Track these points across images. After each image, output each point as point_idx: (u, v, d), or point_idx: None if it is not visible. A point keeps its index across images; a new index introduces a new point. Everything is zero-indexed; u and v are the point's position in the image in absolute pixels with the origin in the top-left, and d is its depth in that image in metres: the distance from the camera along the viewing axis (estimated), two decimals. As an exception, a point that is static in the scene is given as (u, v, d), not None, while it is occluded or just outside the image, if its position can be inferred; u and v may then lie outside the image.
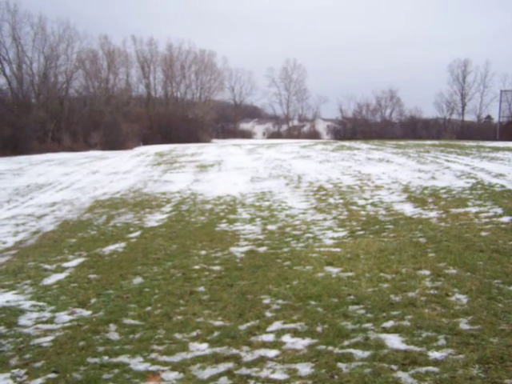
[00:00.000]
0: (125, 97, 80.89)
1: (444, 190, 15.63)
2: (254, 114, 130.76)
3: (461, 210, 12.41)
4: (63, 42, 67.18)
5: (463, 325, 5.60)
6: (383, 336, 5.49)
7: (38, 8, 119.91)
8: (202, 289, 7.66)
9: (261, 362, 5.18)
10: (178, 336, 5.99)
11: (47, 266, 9.74)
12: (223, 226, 12.72)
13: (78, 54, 70.61)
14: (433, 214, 12.35)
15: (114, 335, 6.14)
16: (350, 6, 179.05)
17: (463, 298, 6.42)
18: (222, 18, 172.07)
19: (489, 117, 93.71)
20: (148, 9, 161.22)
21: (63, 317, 6.88)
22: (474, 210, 12.40)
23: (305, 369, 4.94)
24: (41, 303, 7.50)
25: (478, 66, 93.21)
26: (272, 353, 5.38)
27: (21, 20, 63.37)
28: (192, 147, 49.33)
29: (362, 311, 6.29)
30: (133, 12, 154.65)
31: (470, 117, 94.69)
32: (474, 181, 16.95)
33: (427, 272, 7.58)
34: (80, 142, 58.80)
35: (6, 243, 12.22)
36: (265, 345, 5.58)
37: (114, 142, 56.85)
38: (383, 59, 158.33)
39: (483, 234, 9.86)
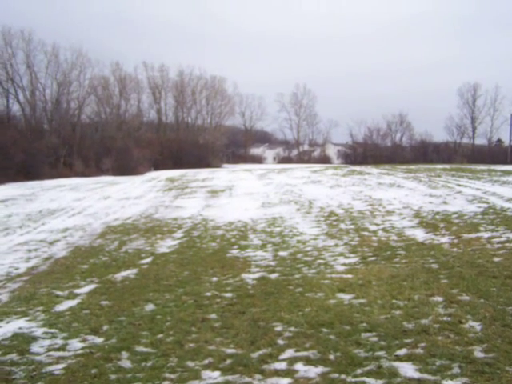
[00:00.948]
0: (136, 122, 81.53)
1: (456, 215, 15.57)
2: (265, 138, 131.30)
3: (473, 236, 12.35)
4: (76, 68, 68.23)
5: (478, 353, 5.55)
6: (396, 364, 5.46)
7: (51, 36, 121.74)
8: (213, 316, 7.64)
9: (274, 390, 5.16)
10: (190, 364, 5.96)
11: (59, 293, 9.77)
12: (234, 252, 12.72)
13: (90, 80, 71.63)
14: (445, 239, 12.30)
15: (126, 363, 6.13)
16: (360, 34, 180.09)
17: (477, 326, 6.37)
18: (232, 44, 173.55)
19: (499, 140, 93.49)
20: (159, 35, 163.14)
21: (75, 344, 6.87)
22: (486, 235, 12.35)
23: (318, 398, 4.92)
24: (53, 330, 7.50)
25: (487, 90, 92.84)
26: (284, 381, 5.35)
27: (35, 48, 64.57)
28: (203, 172, 49.50)
29: (375, 339, 6.25)
30: (144, 39, 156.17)
31: (480, 140, 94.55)
32: (485, 205, 16.89)
33: (440, 299, 7.54)
34: (92, 168, 59.17)
35: (18, 269, 12.26)
36: (277, 373, 5.55)
37: (126, 167, 57.15)
38: (393, 84, 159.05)
39: (496, 259, 9.80)
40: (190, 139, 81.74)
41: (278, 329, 6.90)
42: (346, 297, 8.08)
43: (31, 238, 16.55)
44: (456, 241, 11.96)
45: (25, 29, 64.02)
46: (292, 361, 5.83)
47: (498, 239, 11.70)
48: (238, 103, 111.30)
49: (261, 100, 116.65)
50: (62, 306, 8.80)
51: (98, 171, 58.28)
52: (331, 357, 5.83)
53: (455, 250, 11.02)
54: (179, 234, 15.98)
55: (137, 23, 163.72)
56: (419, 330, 6.39)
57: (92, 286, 10.11)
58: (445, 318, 6.71)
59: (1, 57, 62.46)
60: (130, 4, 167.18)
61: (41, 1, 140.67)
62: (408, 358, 5.57)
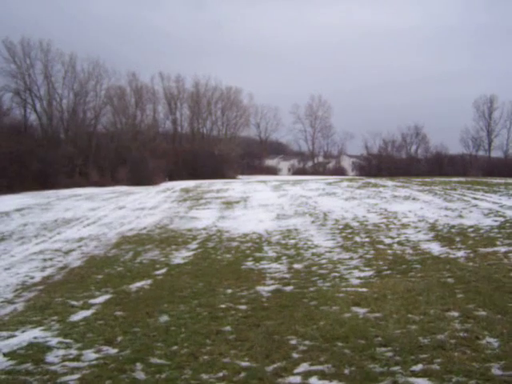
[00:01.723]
0: (151, 133, 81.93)
1: (472, 229, 15.47)
2: (280, 150, 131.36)
3: (489, 250, 12.26)
4: (92, 79, 68.91)
5: (495, 370, 5.50)
6: (412, 380, 5.42)
7: (69, 46, 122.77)
8: (228, 328, 7.63)
9: (288, 405, 5.14)
10: (204, 376, 5.95)
11: (74, 303, 9.82)
12: (249, 264, 12.71)
13: (106, 90, 72.26)
14: (460, 253, 12.21)
15: (140, 374, 6.13)
16: (374, 44, 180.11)
17: (494, 342, 6.31)
18: (248, 55, 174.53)
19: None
20: (175, 46, 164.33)
21: (90, 354, 6.89)
22: (503, 249, 12.25)
23: (333, 413, 4.89)
24: (68, 340, 7.53)
25: (504, 103, 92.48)
26: (299, 395, 5.34)
27: (53, 58, 65.47)
28: (218, 183, 49.58)
29: (390, 354, 6.21)
30: (160, 49, 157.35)
31: (496, 153, 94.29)
32: (502, 219, 16.75)
33: (456, 314, 7.48)
34: (107, 177, 59.55)
35: (33, 278, 12.36)
36: (292, 387, 5.54)
37: (141, 177, 57.38)
38: (408, 95, 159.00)
39: (513, 274, 9.72)
40: (205, 150, 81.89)
41: (293, 342, 6.87)
42: (360, 311, 8.04)
43: (46, 248, 16.65)
44: (472, 255, 11.87)
45: (43, 39, 64.93)
46: (307, 375, 5.81)
47: (514, 254, 11.61)
48: (254, 114, 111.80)
49: (276, 111, 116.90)
50: (77, 316, 8.85)
51: (113, 181, 58.61)
52: (346, 371, 5.80)
53: (471, 264, 10.94)
54: (194, 245, 16.00)
55: (153, 34, 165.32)
56: (435, 345, 6.34)
57: (107, 297, 10.15)
58: (461, 334, 6.66)
59: (19, 67, 63.32)
60: (147, 15, 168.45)
61: (59, 12, 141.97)
62: (424, 374, 5.53)
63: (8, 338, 7.80)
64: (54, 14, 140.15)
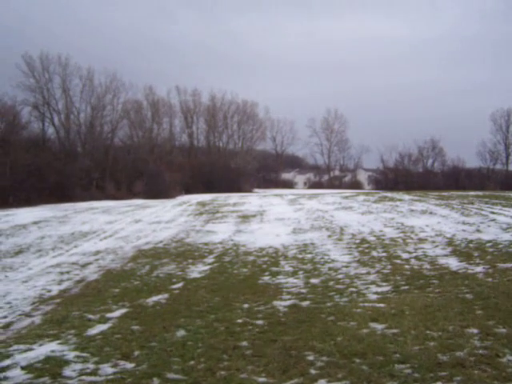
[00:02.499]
0: (168, 146, 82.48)
1: (490, 244, 15.33)
2: (296, 163, 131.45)
3: (508, 265, 12.12)
4: (109, 92, 69.76)
5: (516, 388, 5.43)
6: (431, 398, 5.36)
7: (87, 60, 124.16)
8: (245, 343, 7.60)
9: (306, 422, 5.10)
10: (221, 392, 5.94)
11: (91, 316, 9.83)
12: (266, 278, 12.67)
13: (123, 104, 73.06)
14: (479, 268, 12.09)
15: (157, 390, 6.13)
16: (389, 56, 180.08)
17: (515, 360, 6.24)
18: (264, 69, 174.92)
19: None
20: (192, 60, 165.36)
21: (107, 369, 6.89)
22: (522, 265, 12.13)
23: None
24: (85, 354, 7.53)
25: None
26: (317, 413, 5.30)
27: (71, 73, 66.45)
28: (234, 197, 49.64)
29: (409, 371, 6.14)
30: (177, 63, 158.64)
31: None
32: (521, 234, 16.61)
33: (475, 330, 7.40)
34: (123, 191, 59.95)
35: (50, 291, 12.42)
36: (310, 404, 5.50)
37: (157, 190, 57.66)
38: (425, 108, 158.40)
39: (533, 290, 9.61)
40: (221, 163, 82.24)
41: (310, 358, 6.83)
42: (378, 326, 7.98)
43: (64, 261, 16.74)
44: (491, 270, 11.75)
45: (62, 54, 65.86)
46: (324, 391, 5.77)
47: (534, 269, 11.49)
48: (270, 128, 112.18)
49: (292, 125, 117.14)
50: (94, 330, 8.85)
51: (130, 194, 58.99)
52: (364, 388, 5.75)
53: (490, 279, 10.83)
54: (210, 259, 16.00)
55: (168, 47, 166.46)
56: (454, 362, 6.27)
57: (123, 311, 10.16)
58: (481, 351, 6.57)
59: (38, 81, 64.24)
60: (164, 30, 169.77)
61: (77, 27, 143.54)
62: (443, 392, 5.47)
63: (25, 351, 7.82)
64: (71, 28, 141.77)
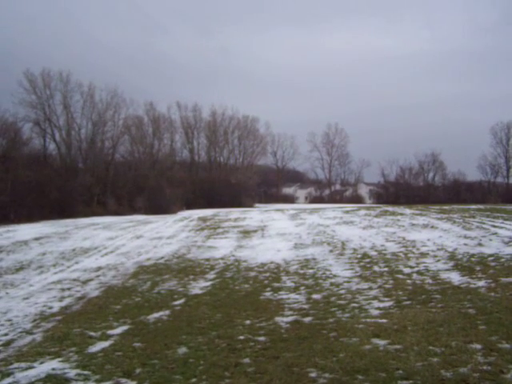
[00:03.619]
0: (169, 162, 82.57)
1: (492, 258, 15.29)
2: (297, 178, 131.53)
3: (511, 280, 12.08)
4: (110, 108, 69.94)
5: (520, 405, 5.39)
6: (435, 415, 5.32)
7: (88, 76, 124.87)
8: (247, 360, 7.56)
9: None
10: (223, 410, 5.90)
11: (92, 333, 9.81)
12: (267, 294, 12.64)
13: (124, 120, 73.26)
14: (481, 283, 12.05)
15: (159, 408, 6.09)
16: (389, 70, 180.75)
17: (519, 376, 6.19)
18: (264, 84, 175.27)
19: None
20: (192, 76, 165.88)
21: (108, 387, 6.87)
22: (524, 279, 12.09)
23: None
24: (86, 372, 7.51)
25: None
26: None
27: (72, 89, 66.71)
28: (235, 212, 49.62)
29: (412, 387, 6.11)
30: (178, 79, 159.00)
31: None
32: (523, 248, 16.57)
33: (478, 346, 7.35)
34: (125, 206, 59.97)
35: (52, 308, 12.40)
36: (312, 422, 5.46)
37: (158, 206, 57.68)
38: (425, 122, 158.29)
39: (536, 305, 9.57)
40: (222, 178, 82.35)
41: (313, 375, 6.78)
42: (381, 342, 7.94)
43: (65, 277, 16.71)
44: (493, 285, 11.70)
45: (63, 70, 66.13)
46: (327, 409, 5.73)
47: (537, 284, 11.45)
48: (270, 143, 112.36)
49: (293, 139, 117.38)
50: (95, 347, 8.83)
51: (131, 210, 59.00)
52: (367, 406, 5.71)
53: (493, 294, 10.78)
54: (212, 275, 15.97)
55: (166, 63, 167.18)
56: (458, 378, 6.23)
57: (125, 328, 10.13)
58: (485, 367, 6.53)
59: (40, 98, 64.44)
60: (164, 44, 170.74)
61: (78, 44, 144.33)
62: (447, 409, 5.43)
63: (26, 369, 7.79)
64: (73, 45, 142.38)
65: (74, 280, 16.18)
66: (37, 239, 28.96)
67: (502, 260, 14.80)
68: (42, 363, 8.07)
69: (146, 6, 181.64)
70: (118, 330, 9.94)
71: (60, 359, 8.22)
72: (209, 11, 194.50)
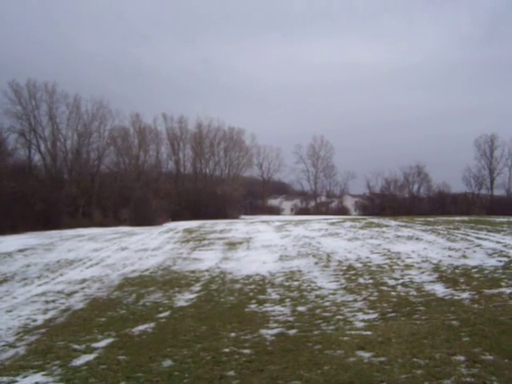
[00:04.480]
0: (154, 173, 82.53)
1: (476, 270, 15.40)
2: (282, 190, 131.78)
3: (494, 291, 12.18)
4: (96, 120, 69.95)
5: (502, 417, 5.43)
6: (419, 427, 5.34)
7: (74, 87, 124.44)
8: (232, 373, 7.55)
9: None
10: (208, 424, 5.88)
11: (76, 346, 9.75)
12: (253, 306, 12.63)
13: (110, 131, 73.27)
14: (465, 294, 12.13)
15: (143, 422, 6.06)
16: (375, 83, 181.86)
17: (502, 388, 6.23)
18: (250, 96, 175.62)
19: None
20: (178, 88, 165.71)
21: (92, 401, 6.83)
22: (508, 290, 12.17)
23: None
24: (70, 386, 7.47)
25: (504, 142, 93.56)
26: None
27: (57, 100, 66.60)
28: (220, 224, 49.56)
29: (396, 400, 6.13)
30: (164, 90, 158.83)
31: (499, 191, 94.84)
32: (506, 259, 16.70)
33: (462, 358, 7.40)
34: (110, 218, 59.81)
35: (35, 321, 12.31)
36: None
37: (144, 217, 57.50)
38: (409, 134, 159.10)
39: (519, 317, 9.64)
40: (207, 190, 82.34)
41: (298, 388, 6.80)
42: (365, 355, 7.96)
43: (49, 289, 16.60)
44: (477, 296, 11.79)
45: (48, 82, 66.02)
46: (312, 422, 5.73)
47: (520, 295, 11.55)
48: (256, 154, 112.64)
49: (278, 151, 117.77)
50: (79, 361, 8.78)
51: (116, 221, 58.82)
52: (352, 418, 5.73)
53: (476, 306, 10.86)
54: (197, 287, 15.94)
55: (152, 75, 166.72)
56: (441, 391, 6.26)
57: (109, 340, 10.09)
58: (468, 379, 6.57)
59: (25, 108, 64.24)
60: (151, 56, 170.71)
61: (65, 55, 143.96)
62: (430, 421, 5.46)
63: (9, 383, 7.73)
64: (59, 56, 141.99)
65: (59, 292, 16.08)
66: (21, 251, 28.74)
67: (486, 272, 14.92)
68: (24, 377, 8.02)
69: (131, 17, 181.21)
70: (103, 343, 9.89)
71: (43, 373, 8.18)
72: (191, 23, 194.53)
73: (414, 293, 12.89)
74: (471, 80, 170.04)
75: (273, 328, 10.29)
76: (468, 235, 24.56)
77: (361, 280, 15.28)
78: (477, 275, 14.55)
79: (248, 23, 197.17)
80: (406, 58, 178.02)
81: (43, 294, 15.90)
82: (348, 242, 25.85)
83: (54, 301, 14.77)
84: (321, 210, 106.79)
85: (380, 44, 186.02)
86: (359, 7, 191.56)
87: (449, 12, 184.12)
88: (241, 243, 28.66)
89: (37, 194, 52.10)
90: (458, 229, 28.37)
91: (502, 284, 12.99)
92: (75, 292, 16.05)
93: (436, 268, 16.30)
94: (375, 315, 10.86)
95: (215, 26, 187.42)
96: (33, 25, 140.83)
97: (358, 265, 18.13)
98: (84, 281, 18.09)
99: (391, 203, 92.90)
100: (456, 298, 11.91)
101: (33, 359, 9.04)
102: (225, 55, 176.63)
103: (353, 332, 9.51)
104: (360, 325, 10.11)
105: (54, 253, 27.47)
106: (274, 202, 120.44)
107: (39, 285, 17.61)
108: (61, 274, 19.81)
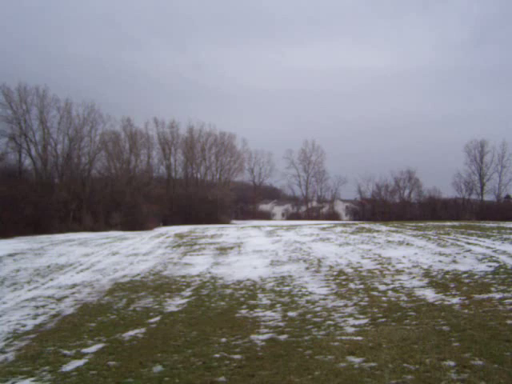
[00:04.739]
0: (146, 178, 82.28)
1: (466, 275, 15.47)
2: (273, 195, 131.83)
3: (484, 296, 12.23)
4: (87, 124, 69.60)
5: (492, 422, 5.44)
6: (409, 433, 5.35)
7: (65, 91, 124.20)
8: (222, 379, 7.54)
9: None
10: (198, 430, 5.87)
11: (66, 352, 9.70)
12: (243, 312, 12.61)
13: (101, 135, 72.94)
14: (455, 300, 12.17)
15: (133, 428, 6.04)
16: (366, 89, 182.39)
17: (491, 393, 6.25)
18: (242, 101, 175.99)
19: (508, 196, 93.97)
20: (170, 92, 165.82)
21: (82, 407, 6.80)
22: (497, 295, 12.23)
23: None
24: (59, 392, 7.43)
25: (494, 147, 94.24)
26: None
27: (48, 104, 66.22)
28: (212, 229, 49.50)
29: (387, 405, 6.14)
30: (155, 95, 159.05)
31: (489, 197, 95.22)
32: (496, 264, 16.78)
33: (452, 363, 7.42)
34: (101, 222, 59.56)
35: (25, 326, 12.23)
36: None
37: (135, 222, 57.40)
38: (400, 139, 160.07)
39: (509, 322, 9.68)
40: (199, 195, 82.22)
41: (288, 393, 6.79)
42: (356, 360, 7.97)
43: (39, 294, 16.51)
44: (467, 302, 11.83)
45: (39, 86, 65.77)
46: (302, 428, 5.73)
47: (509, 300, 11.59)
48: (247, 159, 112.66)
49: (270, 156, 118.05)
50: (69, 366, 8.73)
51: (107, 226, 58.61)
52: (342, 424, 5.72)
53: (466, 311, 10.90)
54: (188, 292, 15.90)
55: (143, 79, 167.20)
56: (431, 396, 6.27)
57: (99, 346, 10.03)
58: (458, 384, 6.59)
59: (15, 113, 63.85)
60: (142, 61, 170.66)
61: (56, 61, 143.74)
62: (420, 427, 5.46)
63: (-2, 389, 7.69)
64: (50, 61, 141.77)
65: (49, 297, 15.99)
66: (11, 255, 28.59)
67: (476, 277, 14.98)
68: (14, 383, 7.97)
69: (123, 22, 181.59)
70: (93, 349, 9.84)
71: (33, 379, 8.13)
72: (182, 28, 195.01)
73: (405, 298, 12.92)
74: (462, 86, 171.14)
75: (263, 333, 10.28)
76: (458, 240, 24.65)
77: (351, 285, 15.30)
78: (467, 280, 14.61)
79: (238, 29, 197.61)
80: (397, 65, 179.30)
81: (33, 299, 15.81)
82: (339, 247, 25.87)
83: (43, 306, 14.68)
84: (312, 214, 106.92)
85: (371, 51, 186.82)
86: (349, 13, 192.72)
87: (439, 19, 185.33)
88: (232, 248, 28.62)
89: (27, 199, 51.81)
90: (449, 234, 28.48)
91: (492, 289, 13.05)
92: (65, 297, 15.97)
93: (426, 273, 16.34)
94: (366, 320, 10.87)
95: (206, 32, 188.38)
96: (24, 29, 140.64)
97: (349, 270, 18.15)
98: (74, 286, 18.00)
99: (382, 208, 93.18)
100: (446, 303, 11.95)
101: (22, 365, 8.97)
102: (216, 60, 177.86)
103: (343, 337, 9.51)
104: (351, 330, 10.11)
105: (45, 258, 27.33)
106: (265, 206, 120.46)
107: (29, 290, 17.50)
108: (51, 279, 19.70)
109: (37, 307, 14.52)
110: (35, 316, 13.38)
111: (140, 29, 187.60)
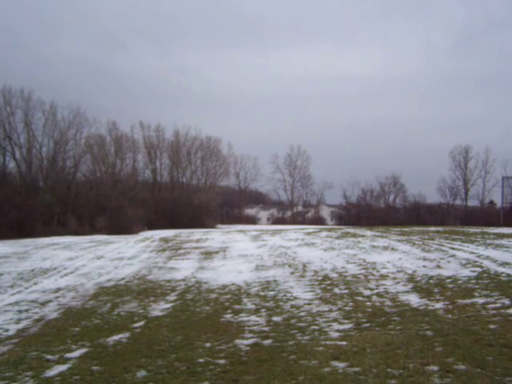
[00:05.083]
0: (131, 182, 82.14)
1: (450, 280, 15.57)
2: (259, 199, 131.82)
3: (467, 301, 12.33)
4: (73, 127, 69.45)
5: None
6: None
7: (50, 94, 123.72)
8: (206, 384, 7.54)
9: None
10: None
11: (50, 357, 9.62)
12: (228, 316, 12.60)
13: (86, 139, 72.91)
14: (439, 305, 12.25)
15: (116, 434, 6.01)
16: (350, 96, 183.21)
17: (473, 397, 6.29)
18: (228, 105, 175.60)
19: (492, 202, 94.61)
20: (156, 96, 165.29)
21: (65, 413, 6.75)
22: (480, 300, 12.33)
23: None
24: (42, 397, 7.38)
25: (478, 153, 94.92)
26: None
27: (33, 107, 66.03)
28: (197, 233, 49.41)
29: (370, 410, 6.16)
30: (141, 98, 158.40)
31: (473, 202, 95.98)
32: (479, 269, 16.91)
33: (435, 368, 7.46)
34: (85, 226, 59.37)
35: (7, 331, 12.12)
36: None
37: (120, 226, 57.24)
38: (386, 145, 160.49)
39: (491, 326, 9.76)
40: (184, 199, 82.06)
41: (272, 398, 6.79)
42: (340, 365, 7.98)
43: (22, 298, 16.39)
44: (450, 307, 11.92)
45: (24, 88, 65.51)
46: (286, 433, 5.73)
47: (492, 305, 11.69)
48: (233, 164, 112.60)
49: (255, 161, 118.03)
50: (52, 371, 8.66)
51: (92, 230, 58.42)
52: (326, 429, 5.73)
53: (450, 316, 10.97)
54: (172, 296, 15.86)
55: (134, 83, 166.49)
56: (415, 401, 6.30)
57: (83, 350, 9.97)
58: (441, 389, 6.63)
59: (0, 115, 63.38)
60: (128, 64, 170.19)
61: (41, 63, 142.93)
62: (404, 431, 5.49)
63: (-20, 395, 7.62)
64: (35, 62, 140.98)
65: (32, 301, 15.88)
66: (-6, 259, 28.39)
67: (460, 282, 15.09)
68: (-4, 388, 7.91)
69: (108, 24, 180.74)
70: (77, 353, 9.78)
71: (15, 384, 8.07)
72: (167, 31, 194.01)
73: (389, 303, 12.98)
74: (446, 92, 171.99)
75: (248, 338, 10.27)
76: (442, 245, 24.81)
77: (336, 290, 15.33)
78: (451, 285, 14.71)
79: (223, 33, 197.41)
80: (384, 72, 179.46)
81: (16, 303, 15.69)
82: (324, 252, 25.93)
83: (27, 310, 14.58)
84: (297, 219, 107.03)
85: (357, 57, 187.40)
86: (334, 19, 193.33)
87: (424, 26, 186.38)
88: (217, 253, 28.58)
89: (11, 202, 51.57)
90: (433, 239, 28.64)
91: (475, 294, 13.16)
92: (49, 301, 15.87)
93: (411, 278, 16.43)
94: (350, 325, 10.90)
95: (190, 35, 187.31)
96: (7, 30, 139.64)
97: (334, 275, 18.20)
98: (58, 290, 17.89)
99: (367, 213, 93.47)
100: (430, 308, 12.02)
101: (4, 370, 8.89)
102: (200, 64, 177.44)
103: (328, 342, 9.53)
104: (335, 335, 10.14)
105: (29, 261, 27.15)
106: (250, 211, 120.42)
107: (12, 294, 17.37)
108: (35, 283, 19.57)
109: (20, 311, 14.41)
110: (18, 320, 13.27)
111: (126, 31, 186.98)
